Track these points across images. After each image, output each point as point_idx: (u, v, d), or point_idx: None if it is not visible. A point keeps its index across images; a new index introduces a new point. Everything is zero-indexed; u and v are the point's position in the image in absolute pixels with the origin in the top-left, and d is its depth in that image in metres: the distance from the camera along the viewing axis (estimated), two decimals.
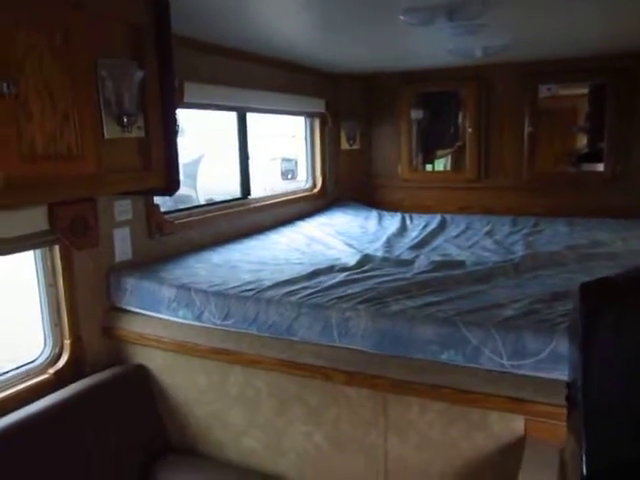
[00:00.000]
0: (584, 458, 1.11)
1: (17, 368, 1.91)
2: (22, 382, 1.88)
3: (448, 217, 3.38)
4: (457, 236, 2.93)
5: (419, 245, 2.69)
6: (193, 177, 6.77)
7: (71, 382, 1.91)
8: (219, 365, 1.90)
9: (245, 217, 2.96)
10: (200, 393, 1.98)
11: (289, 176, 6.86)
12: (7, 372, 1.88)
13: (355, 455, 1.73)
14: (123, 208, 2.16)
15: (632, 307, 1.14)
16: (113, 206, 2.10)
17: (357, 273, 2.08)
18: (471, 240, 2.81)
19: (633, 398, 1.13)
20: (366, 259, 2.30)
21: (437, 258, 2.36)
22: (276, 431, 1.86)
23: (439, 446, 1.60)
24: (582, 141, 3.82)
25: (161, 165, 1.82)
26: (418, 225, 3.19)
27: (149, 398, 2.04)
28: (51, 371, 1.95)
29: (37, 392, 1.85)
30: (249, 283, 1.95)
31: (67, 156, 1.50)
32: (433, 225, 3.16)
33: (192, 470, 1.87)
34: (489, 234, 2.93)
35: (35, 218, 1.71)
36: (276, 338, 1.78)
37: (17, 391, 1.83)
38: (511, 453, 1.49)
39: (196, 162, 6.95)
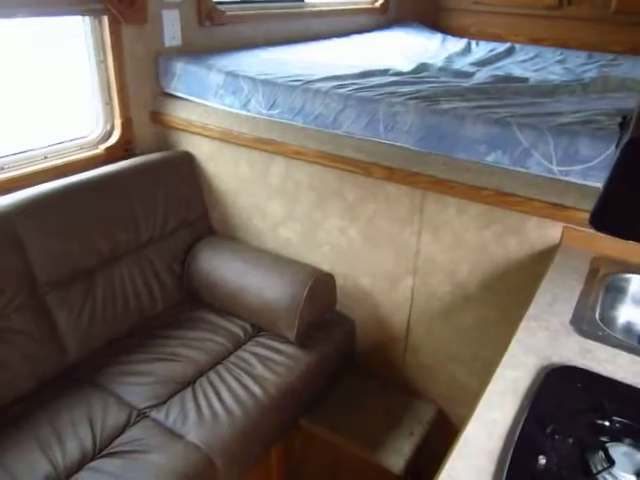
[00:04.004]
0: None
1: (71, 140, 1.99)
2: (75, 154, 1.97)
3: (517, 46, 3.12)
4: (524, 61, 2.71)
5: (481, 63, 2.51)
6: None
7: (122, 160, 1.99)
8: (262, 155, 1.92)
9: (300, 21, 2.79)
10: (242, 183, 2.03)
11: None
12: (61, 142, 1.96)
13: (387, 251, 1.79)
14: None
15: None
16: None
17: (411, 77, 1.98)
18: (539, 65, 2.60)
19: None
20: (423, 67, 2.17)
21: (499, 73, 2.21)
22: (312, 224, 1.92)
23: (471, 247, 1.62)
24: None
25: None
26: (484, 49, 2.96)
27: (194, 185, 2.11)
28: (102, 147, 2.02)
29: (90, 164, 1.94)
30: (298, 75, 1.88)
31: None
32: (500, 50, 2.93)
33: (232, 250, 1.98)
34: (560, 62, 2.70)
35: None
36: (320, 130, 1.75)
37: (71, 160, 1.93)
38: (542, 258, 1.49)
39: None
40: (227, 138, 1.97)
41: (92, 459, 1.38)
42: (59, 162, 1.89)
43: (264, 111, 1.84)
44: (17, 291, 1.57)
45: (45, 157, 1.88)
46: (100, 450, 1.41)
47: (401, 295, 1.81)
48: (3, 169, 1.77)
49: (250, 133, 1.89)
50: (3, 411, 1.49)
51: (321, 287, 1.82)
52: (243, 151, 1.96)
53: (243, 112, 1.90)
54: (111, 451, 1.40)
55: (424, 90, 1.78)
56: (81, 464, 1.36)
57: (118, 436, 1.45)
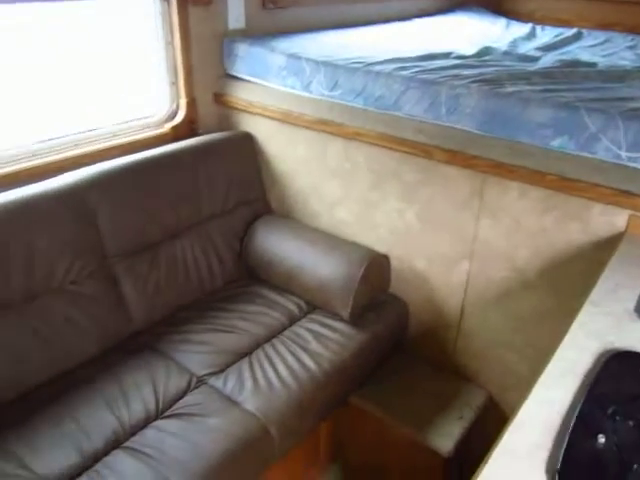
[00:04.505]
0: None
1: (138, 119, 2.07)
2: (143, 132, 2.05)
3: (585, 31, 3.01)
4: (593, 46, 2.62)
5: (547, 48, 2.45)
6: None
7: (186, 139, 2.06)
8: (321, 136, 1.94)
9: (361, 4, 2.78)
10: (300, 164, 2.07)
11: None
12: (130, 121, 2.04)
13: (443, 234, 1.79)
14: None
15: None
16: None
17: (474, 61, 1.96)
18: (608, 50, 2.51)
19: None
20: (486, 51, 2.14)
21: (566, 58, 2.15)
22: (369, 206, 1.93)
23: (531, 233, 1.60)
24: None
25: None
26: (549, 34, 2.88)
27: (254, 164, 2.16)
28: (168, 126, 2.10)
29: (156, 142, 2.02)
30: (359, 58, 1.89)
31: None
32: (566, 34, 2.84)
33: (289, 229, 2.02)
34: (631, 48, 2.60)
35: None
36: (381, 112, 1.76)
37: (139, 138, 2.01)
38: (605, 247, 1.46)
39: None
40: (287, 119, 2.00)
41: (155, 419, 1.46)
42: (127, 140, 1.98)
43: (325, 92, 1.87)
44: (89, 259, 1.66)
45: (114, 135, 1.97)
46: (162, 411, 1.48)
47: (456, 279, 1.81)
48: (77, 145, 1.87)
49: (310, 114, 1.92)
50: (73, 371, 1.59)
51: (376, 268, 1.84)
52: (302, 132, 1.99)
53: (304, 93, 1.93)
54: (173, 413, 1.48)
55: (488, 73, 1.76)
56: (145, 423, 1.45)
57: (179, 400, 1.53)
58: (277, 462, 1.58)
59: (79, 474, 1.31)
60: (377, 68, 1.78)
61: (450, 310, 1.87)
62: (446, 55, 2.01)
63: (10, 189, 1.58)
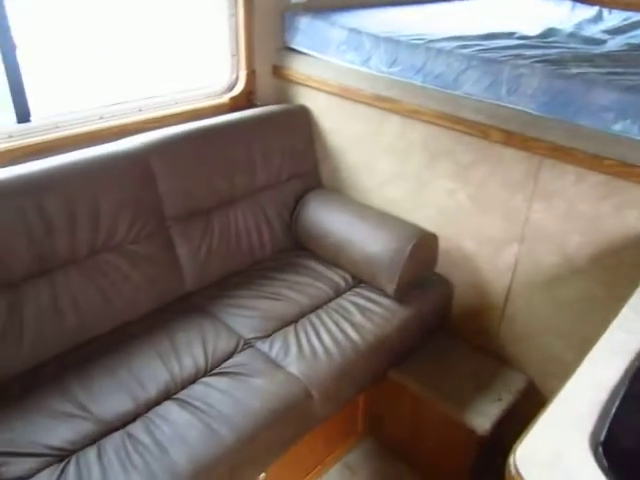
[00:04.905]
0: None
1: (199, 89, 2.13)
2: (203, 101, 2.11)
3: None
4: None
5: (614, 31, 2.36)
6: None
7: (244, 110, 2.10)
8: (378, 113, 1.95)
9: None
10: (353, 139, 2.09)
11: None
12: (191, 90, 2.10)
13: (494, 216, 1.78)
14: None
15: None
16: None
17: (538, 42, 1.91)
18: None
19: None
20: (550, 32, 2.09)
21: (634, 42, 2.08)
22: (421, 184, 1.94)
23: (585, 218, 1.58)
24: None
25: None
26: (617, 17, 2.77)
27: (308, 138, 2.19)
28: (226, 96, 2.15)
29: (215, 112, 2.07)
30: (420, 34, 1.88)
31: None
32: (635, 18, 2.72)
33: (339, 204, 2.05)
34: None
35: None
36: (439, 90, 1.76)
37: (199, 107, 2.07)
38: None
39: None
40: (344, 94, 2.02)
41: (204, 375, 1.54)
42: (188, 108, 2.04)
43: (384, 68, 1.87)
44: (148, 221, 1.74)
45: (176, 102, 2.03)
46: (211, 369, 1.55)
47: (504, 262, 1.81)
48: (141, 110, 1.94)
49: (368, 90, 1.93)
50: (129, 326, 1.68)
51: (424, 246, 1.86)
52: (358, 107, 2.01)
53: (363, 69, 1.94)
54: (221, 371, 1.54)
55: (551, 54, 1.73)
56: (195, 378, 1.52)
57: (226, 359, 1.59)
58: (317, 428, 1.64)
59: (133, 419, 1.39)
60: (438, 45, 1.77)
61: (496, 292, 1.87)
62: (509, 35, 1.97)
63: (78, 149, 1.67)
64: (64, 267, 1.58)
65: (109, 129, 1.83)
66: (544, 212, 1.66)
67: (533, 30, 2.10)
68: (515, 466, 0.75)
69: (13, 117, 1.73)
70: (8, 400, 1.40)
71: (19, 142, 1.69)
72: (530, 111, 1.59)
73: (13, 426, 1.34)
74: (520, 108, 1.61)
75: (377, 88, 1.91)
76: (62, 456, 1.30)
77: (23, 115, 1.74)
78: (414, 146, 1.90)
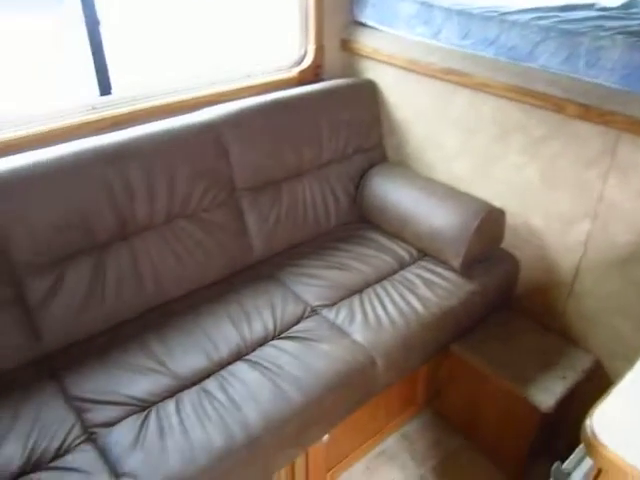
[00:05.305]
0: None
1: (269, 62, 2.17)
2: (272, 75, 2.15)
3: None
4: None
5: None
6: None
7: (311, 83, 2.13)
8: (446, 86, 1.94)
9: None
10: (420, 113, 2.08)
11: None
12: (262, 64, 2.14)
13: (565, 192, 1.75)
14: None
15: None
16: None
17: (619, 13, 1.84)
18: None
19: None
20: (632, 3, 2.00)
21: None
22: (488, 159, 1.92)
23: None
24: None
25: None
26: None
27: (374, 112, 2.20)
28: (295, 70, 2.18)
29: (284, 85, 2.11)
30: (494, 6, 1.85)
31: None
32: None
33: (405, 178, 2.06)
34: None
35: None
36: (512, 63, 1.73)
37: (268, 81, 2.11)
38: None
39: None
40: (413, 67, 2.01)
41: (273, 338, 1.60)
42: (259, 81, 2.09)
43: (455, 41, 1.85)
44: (220, 190, 1.81)
45: (248, 76, 2.08)
46: (280, 333, 1.62)
47: (574, 239, 1.78)
48: (214, 84, 2.00)
49: (438, 63, 1.92)
50: (201, 290, 1.76)
51: (491, 221, 1.85)
52: (427, 81, 2.00)
53: (433, 42, 1.92)
54: (289, 335, 1.60)
55: (633, 26, 1.66)
56: (264, 340, 1.59)
57: (294, 325, 1.65)
58: (378, 396, 1.68)
59: (207, 376, 1.48)
60: (513, 17, 1.74)
61: (564, 270, 1.84)
62: (588, 6, 1.90)
63: (155, 120, 1.75)
64: (143, 232, 1.67)
65: (184, 102, 1.90)
66: (620, 189, 1.61)
67: (614, 1, 2.02)
68: (592, 428, 0.76)
69: (96, 90, 1.82)
70: (92, 354, 1.52)
71: (101, 114, 1.78)
72: (609, 84, 1.54)
73: (97, 377, 1.45)
74: (599, 81, 1.56)
75: (447, 61, 1.89)
76: (144, 406, 1.39)
77: (105, 88, 1.84)
78: (483, 120, 1.88)
